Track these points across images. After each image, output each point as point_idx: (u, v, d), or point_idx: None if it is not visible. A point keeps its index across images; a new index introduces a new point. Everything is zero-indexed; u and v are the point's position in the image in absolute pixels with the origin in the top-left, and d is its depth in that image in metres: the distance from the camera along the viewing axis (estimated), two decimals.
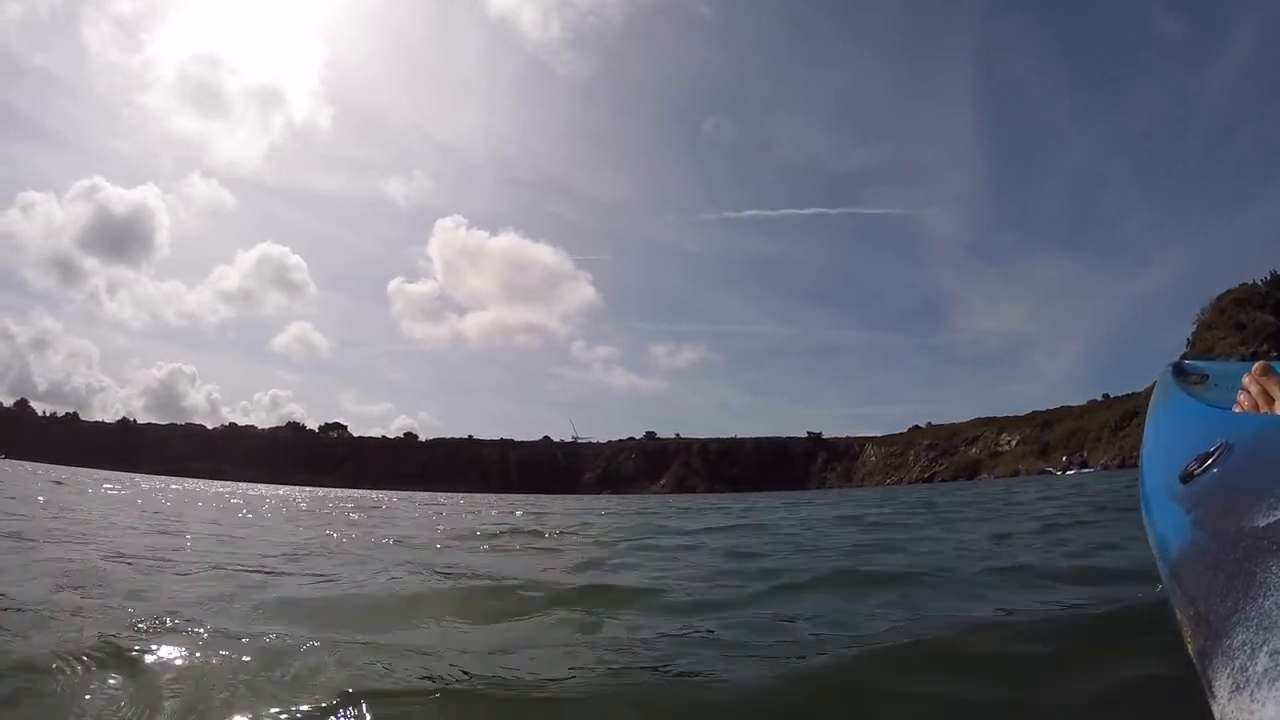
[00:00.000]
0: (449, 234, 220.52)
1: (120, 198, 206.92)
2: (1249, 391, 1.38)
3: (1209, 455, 1.01)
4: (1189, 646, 0.78)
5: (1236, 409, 1.40)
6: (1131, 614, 3.04)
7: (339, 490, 57.18)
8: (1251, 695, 0.62)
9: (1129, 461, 72.24)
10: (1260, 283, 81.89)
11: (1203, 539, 0.88)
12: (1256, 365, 1.40)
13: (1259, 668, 0.62)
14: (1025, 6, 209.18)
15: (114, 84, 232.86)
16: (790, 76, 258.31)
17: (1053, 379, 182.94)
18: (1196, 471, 1.01)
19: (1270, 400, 1.32)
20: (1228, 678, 0.65)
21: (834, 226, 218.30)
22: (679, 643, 3.10)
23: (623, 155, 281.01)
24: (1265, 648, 0.62)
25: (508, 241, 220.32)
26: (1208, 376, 1.92)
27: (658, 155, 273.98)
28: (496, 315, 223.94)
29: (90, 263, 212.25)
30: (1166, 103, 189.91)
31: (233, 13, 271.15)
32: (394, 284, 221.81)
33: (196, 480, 65.24)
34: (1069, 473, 62.52)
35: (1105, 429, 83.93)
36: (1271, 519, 0.73)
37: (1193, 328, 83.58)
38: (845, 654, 2.78)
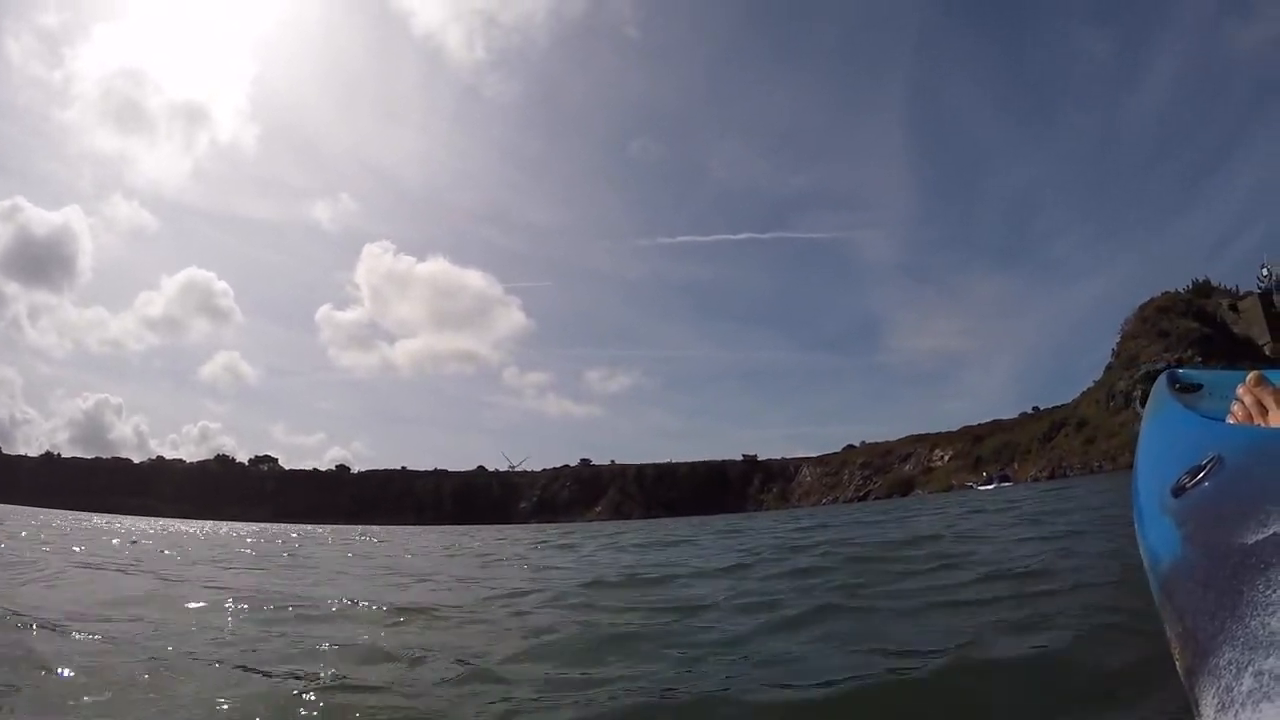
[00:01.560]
0: (376, 259, 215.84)
1: (41, 219, 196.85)
2: (1243, 402, 1.38)
3: (1200, 468, 1.01)
4: (1177, 663, 0.78)
5: (1230, 420, 1.40)
6: None
7: (245, 525, 53.50)
8: (1236, 715, 0.61)
9: (1057, 473, 72.89)
10: (1182, 290, 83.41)
11: (1193, 555, 0.88)
12: (1250, 375, 1.41)
13: (1244, 688, 0.61)
14: (960, 30, 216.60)
15: (34, 100, 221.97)
16: (723, 101, 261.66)
17: (987, 395, 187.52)
18: (1188, 485, 1.01)
19: (1264, 410, 1.33)
20: (1214, 697, 0.65)
21: (767, 251, 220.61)
22: None
23: (554, 181, 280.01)
24: (1250, 668, 0.62)
25: (436, 267, 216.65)
26: (1202, 386, 1.89)
27: (590, 181, 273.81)
28: (426, 343, 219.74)
29: (11, 287, 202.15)
30: (1098, 122, 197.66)
31: (157, 29, 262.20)
32: (322, 311, 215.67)
33: (120, 517, 61.13)
34: (987, 487, 63.39)
35: (1034, 441, 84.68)
36: (1261, 536, 0.73)
37: (1117, 338, 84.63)
38: None
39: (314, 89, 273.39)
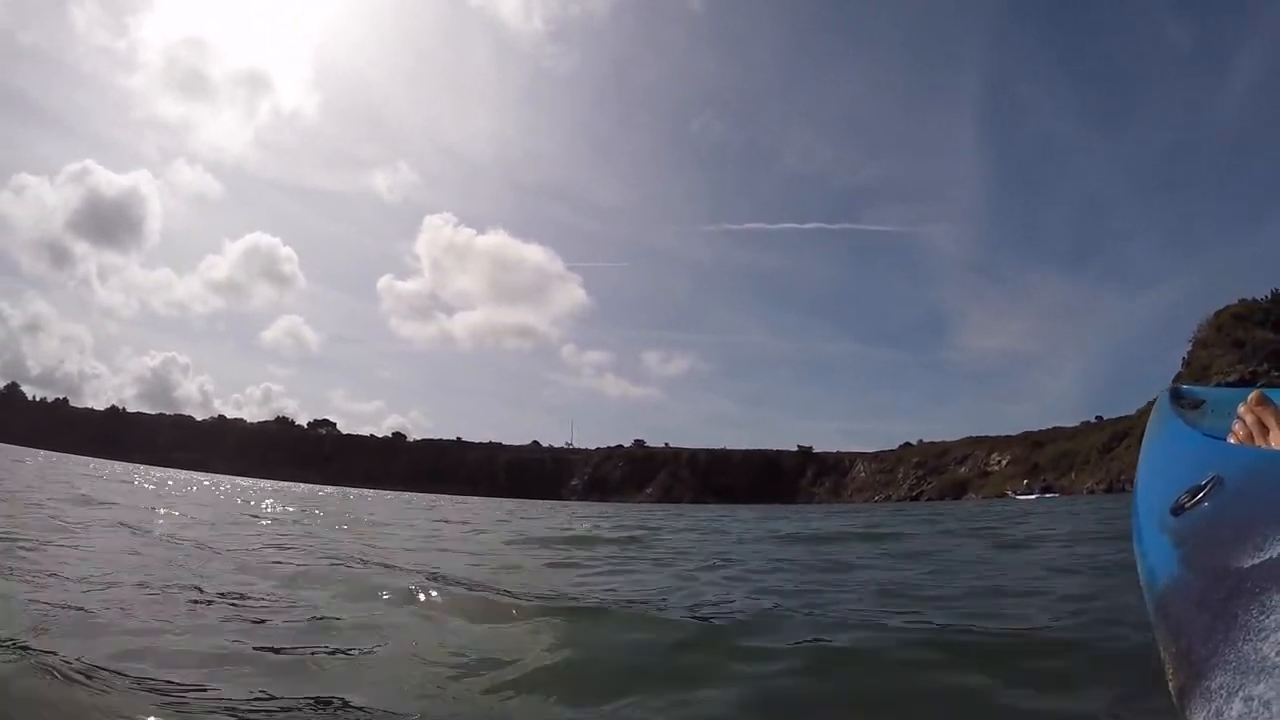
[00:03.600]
0: (436, 231, 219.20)
1: (110, 181, 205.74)
2: (1244, 421, 1.37)
3: (1200, 489, 1.00)
4: (1170, 684, 0.78)
5: (1231, 439, 1.38)
6: None
7: (297, 485, 56.22)
8: None
9: (1115, 485, 71.20)
10: (1262, 300, 78.53)
11: (1189, 576, 0.87)
12: (1252, 395, 1.39)
13: (1234, 713, 0.61)
14: (1036, 24, 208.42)
15: (100, 67, 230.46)
16: (793, 87, 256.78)
17: (1050, 400, 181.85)
18: (1187, 505, 1.01)
19: (1265, 430, 1.32)
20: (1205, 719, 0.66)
21: (834, 242, 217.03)
22: None
23: (621, 159, 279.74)
24: (1240, 693, 0.62)
25: (496, 240, 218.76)
26: (1205, 402, 1.89)
27: (657, 162, 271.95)
28: (485, 315, 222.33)
29: (81, 247, 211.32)
30: (1176, 123, 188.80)
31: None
32: (384, 281, 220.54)
33: (178, 470, 64.57)
34: (1029, 496, 62.04)
35: (1094, 451, 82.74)
36: (1256, 560, 0.73)
37: (1188, 346, 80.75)
38: None
39: (374, 59, 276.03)
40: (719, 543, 10.62)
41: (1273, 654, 0.62)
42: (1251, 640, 0.65)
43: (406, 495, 48.46)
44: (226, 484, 31.71)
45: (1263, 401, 1.38)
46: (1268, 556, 0.72)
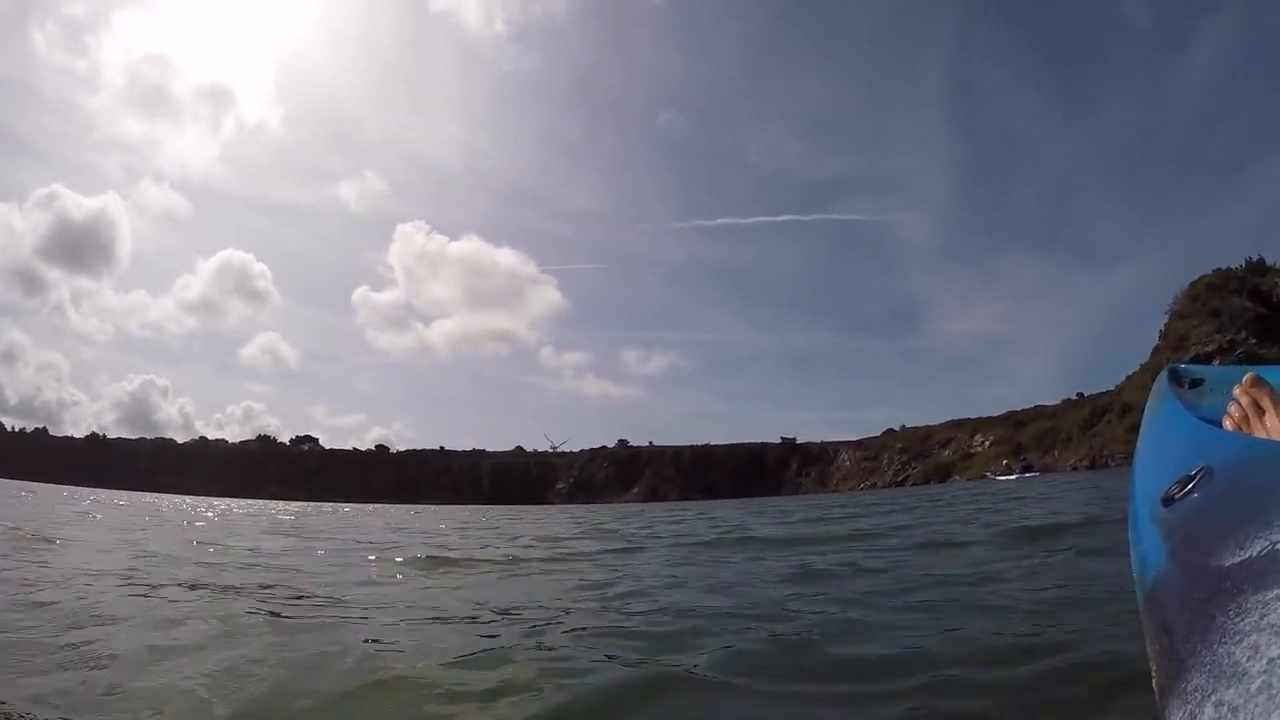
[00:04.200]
0: (408, 239, 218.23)
1: (78, 205, 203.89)
2: (1239, 403, 1.38)
3: (1190, 479, 1.00)
4: (1153, 680, 0.77)
5: (1227, 421, 1.39)
6: None
7: (275, 503, 54.98)
8: None
9: (1099, 461, 71.14)
10: (1236, 268, 78.68)
11: (1175, 571, 0.86)
12: (1247, 376, 1.39)
13: (1205, 718, 0.60)
14: (998, 11, 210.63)
15: (62, 88, 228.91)
16: (759, 83, 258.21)
17: (1031, 379, 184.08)
18: (1177, 496, 1.00)
19: (1260, 412, 1.33)
20: None
21: (808, 233, 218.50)
22: None
23: (591, 161, 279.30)
24: (1213, 697, 0.61)
25: (468, 246, 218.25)
26: (1203, 381, 1.88)
27: (626, 164, 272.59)
28: (461, 323, 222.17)
29: (53, 273, 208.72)
30: (1139, 102, 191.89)
31: (176, 15, 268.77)
32: (359, 292, 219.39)
33: (158, 495, 63.07)
34: (1009, 477, 61.91)
35: (1075, 428, 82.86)
36: (1237, 559, 0.72)
37: (1164, 318, 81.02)
38: None
39: (336, 69, 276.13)
40: (628, 564, 8.23)
41: (1244, 659, 0.61)
42: (1226, 643, 0.64)
43: (372, 508, 47.36)
44: (196, 506, 30.57)
45: (1257, 383, 1.36)
46: (1248, 555, 0.71)
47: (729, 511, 22.80)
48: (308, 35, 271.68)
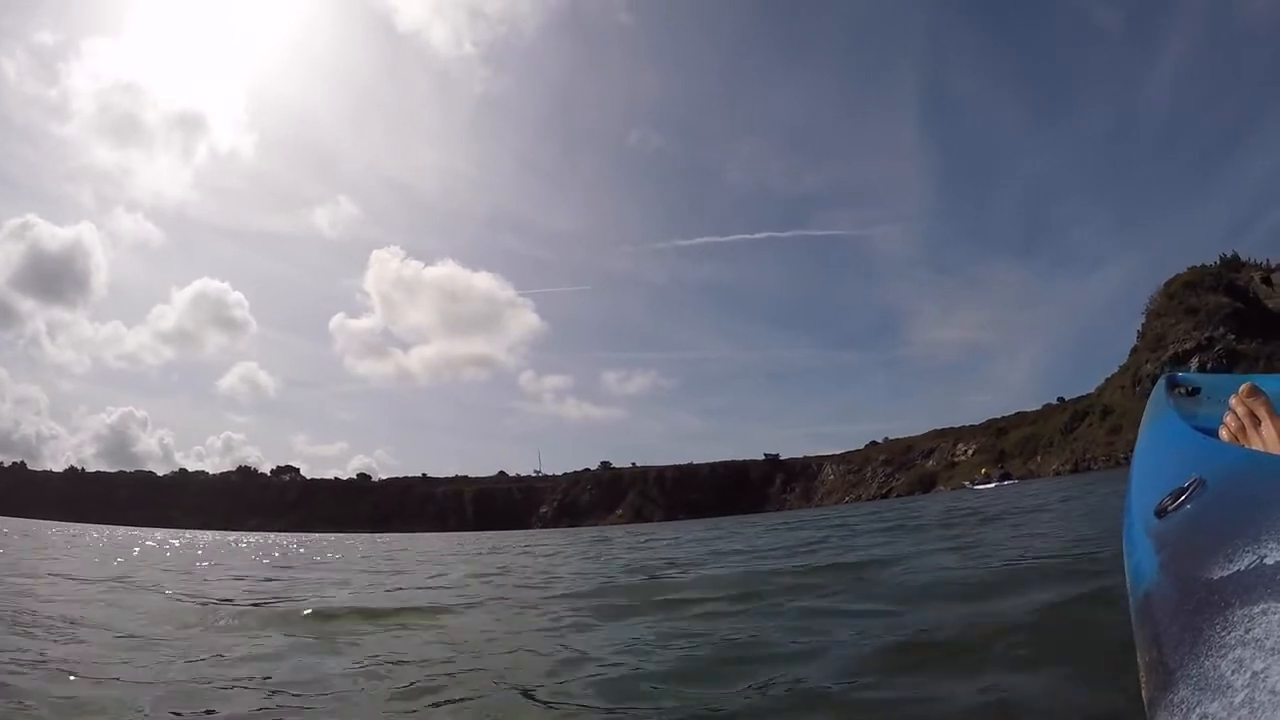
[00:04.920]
0: (383, 265, 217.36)
1: (52, 235, 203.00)
2: (1235, 413, 1.40)
3: (1183, 490, 1.01)
4: (1143, 691, 0.78)
5: (1223, 430, 1.41)
6: None
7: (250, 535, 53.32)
8: None
9: (1081, 465, 70.54)
10: (1211, 265, 78.98)
11: (1165, 583, 0.87)
12: (1244, 386, 1.40)
13: None
14: (968, 19, 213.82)
15: (33, 117, 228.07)
16: (732, 100, 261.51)
17: (1013, 386, 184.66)
18: (1170, 507, 1.01)
19: (1256, 422, 1.35)
20: None
21: (787, 250, 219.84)
22: None
23: (566, 182, 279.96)
24: (1198, 710, 0.61)
25: (444, 271, 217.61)
26: (1200, 389, 1.90)
27: (604, 185, 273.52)
28: (440, 349, 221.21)
29: (27, 305, 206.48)
30: (1112, 105, 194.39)
31: (147, 43, 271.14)
32: (336, 320, 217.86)
33: (136, 529, 61.25)
34: (986, 486, 61.25)
35: (1057, 433, 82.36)
36: (1226, 572, 0.73)
37: (1142, 318, 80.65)
38: None
39: (306, 93, 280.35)
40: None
41: (1229, 672, 0.61)
42: (1212, 656, 0.64)
43: (326, 537, 45.76)
44: (162, 541, 29.05)
45: (1254, 393, 1.37)
46: (1236, 568, 0.72)
47: (680, 535, 21.49)
48: (277, 60, 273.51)
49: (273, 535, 49.05)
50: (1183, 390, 1.89)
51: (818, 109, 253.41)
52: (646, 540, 18.54)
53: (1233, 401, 1.38)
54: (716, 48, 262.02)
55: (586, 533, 44.56)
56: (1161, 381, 1.94)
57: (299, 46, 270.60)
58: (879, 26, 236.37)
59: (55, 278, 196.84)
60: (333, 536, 53.13)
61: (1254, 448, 1.27)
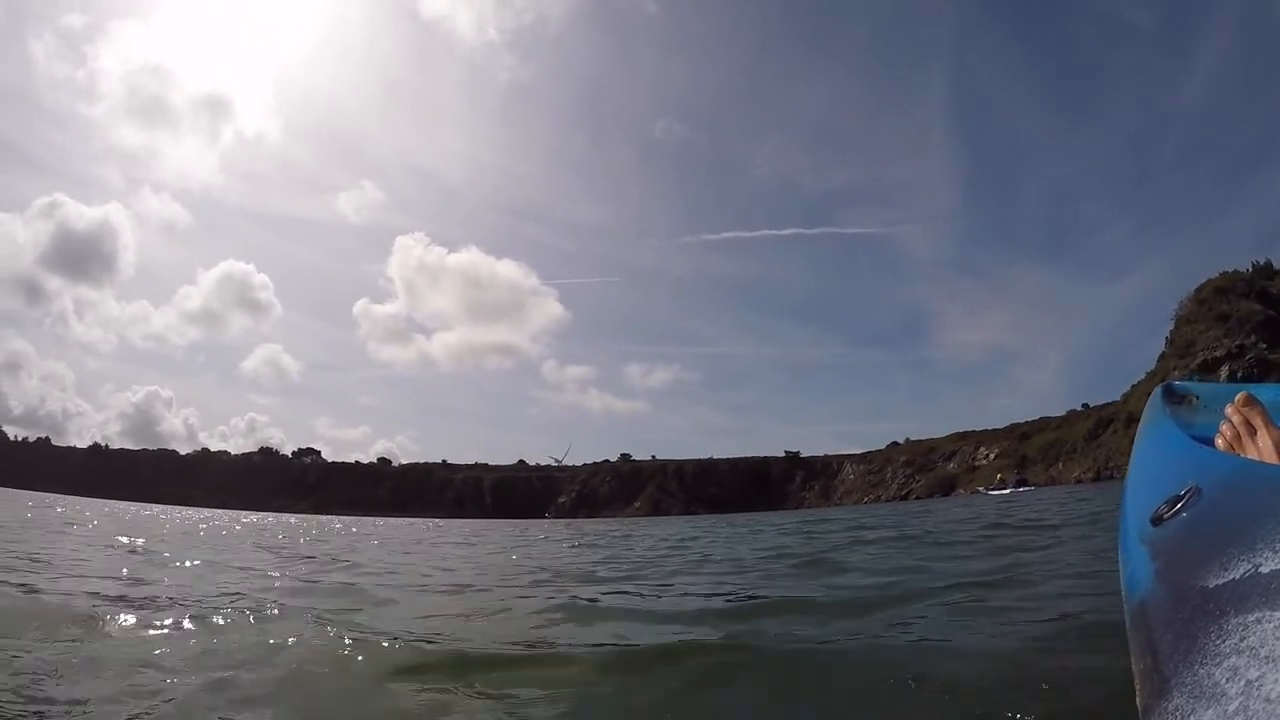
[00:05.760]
0: (407, 251, 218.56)
1: (80, 214, 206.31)
2: (1231, 422, 1.39)
3: (1179, 499, 1.01)
4: (1138, 699, 0.78)
5: (1219, 440, 1.40)
6: None
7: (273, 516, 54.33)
8: None
9: (1104, 473, 69.98)
10: (1244, 270, 77.08)
11: (1160, 591, 0.87)
12: (1239, 395, 1.40)
13: None
14: (999, 23, 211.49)
15: (61, 98, 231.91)
16: (762, 95, 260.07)
17: (1037, 391, 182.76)
18: (1165, 516, 1.01)
19: (1252, 431, 1.34)
20: None
21: (813, 246, 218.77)
22: None
23: (592, 172, 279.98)
24: (1192, 717, 0.61)
25: (468, 257, 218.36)
26: (1198, 398, 1.90)
27: (630, 176, 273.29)
28: (463, 335, 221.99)
29: (55, 283, 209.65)
30: (1141, 112, 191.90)
31: (174, 25, 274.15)
32: (360, 305, 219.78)
33: (160, 506, 62.46)
34: (1001, 491, 60.75)
35: (1080, 440, 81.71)
36: (1221, 581, 0.73)
37: (1171, 324, 78.87)
38: None
39: (330, 77, 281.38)
40: None
41: (1223, 680, 0.61)
42: (1206, 664, 0.65)
43: (338, 520, 46.48)
44: (168, 515, 29.93)
45: (1249, 402, 1.37)
46: (1231, 577, 0.72)
47: (693, 529, 21.74)
48: (302, 44, 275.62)
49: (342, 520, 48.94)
50: (1180, 399, 1.91)
51: (844, 105, 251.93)
52: (624, 536, 18.14)
53: (1229, 410, 1.39)
54: (743, 40, 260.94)
55: (588, 525, 44.93)
56: (1158, 390, 1.95)
57: (324, 31, 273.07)
58: (907, 24, 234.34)
59: (83, 257, 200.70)
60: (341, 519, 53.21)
61: (1250, 457, 1.28)
